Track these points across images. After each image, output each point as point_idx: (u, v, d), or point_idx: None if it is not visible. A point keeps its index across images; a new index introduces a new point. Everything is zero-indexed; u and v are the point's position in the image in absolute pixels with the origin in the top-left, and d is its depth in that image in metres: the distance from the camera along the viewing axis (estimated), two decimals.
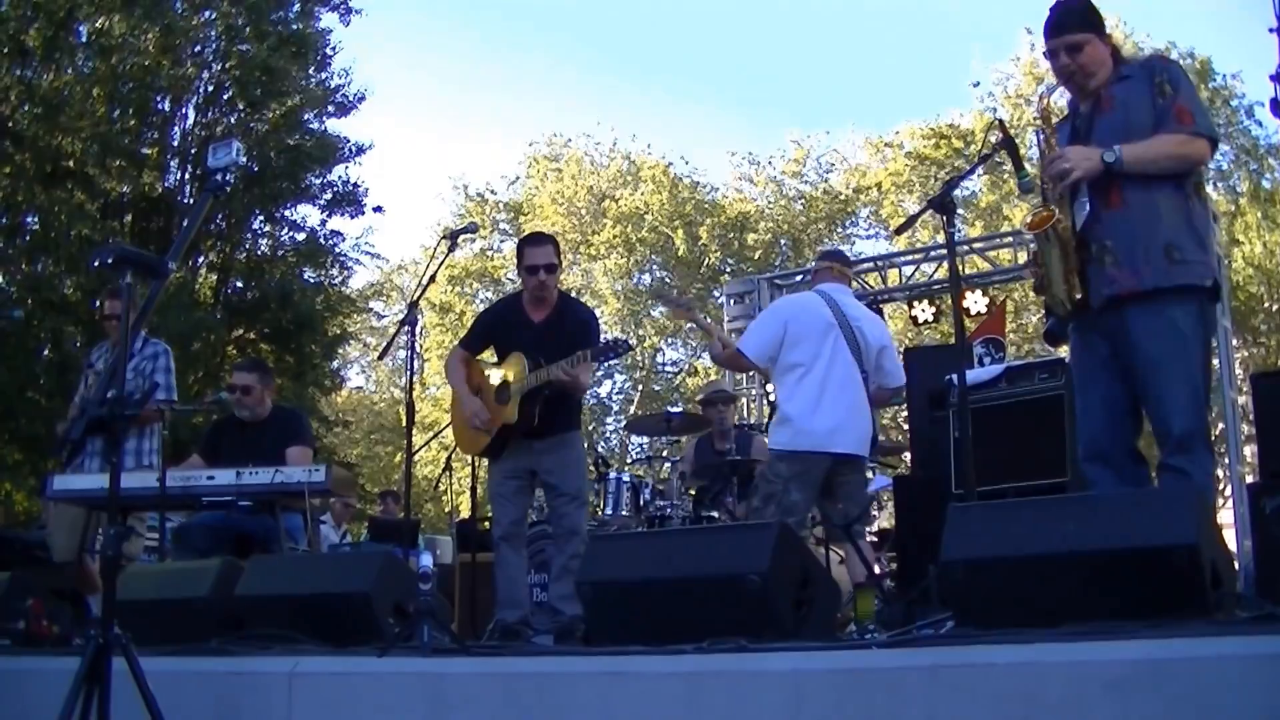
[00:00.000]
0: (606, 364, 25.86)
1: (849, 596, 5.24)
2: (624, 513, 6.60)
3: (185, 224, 4.19)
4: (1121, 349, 3.65)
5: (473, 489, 7.25)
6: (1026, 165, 3.98)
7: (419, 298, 5.62)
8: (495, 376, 5.29)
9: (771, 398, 11.39)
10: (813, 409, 5.01)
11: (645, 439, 9.21)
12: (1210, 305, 3.67)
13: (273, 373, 6.48)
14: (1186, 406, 3.54)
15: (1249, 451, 10.86)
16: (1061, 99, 4.10)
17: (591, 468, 6.80)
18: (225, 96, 17.13)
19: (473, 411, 5.24)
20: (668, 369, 27.26)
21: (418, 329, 5.53)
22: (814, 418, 5.00)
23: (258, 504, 5.40)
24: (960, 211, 21.09)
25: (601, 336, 5.45)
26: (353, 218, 18.41)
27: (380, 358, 24.63)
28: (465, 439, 5.47)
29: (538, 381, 5.02)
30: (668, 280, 26.15)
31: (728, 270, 24.11)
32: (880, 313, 11.84)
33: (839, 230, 26.02)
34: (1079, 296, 3.68)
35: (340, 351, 20.45)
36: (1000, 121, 4.17)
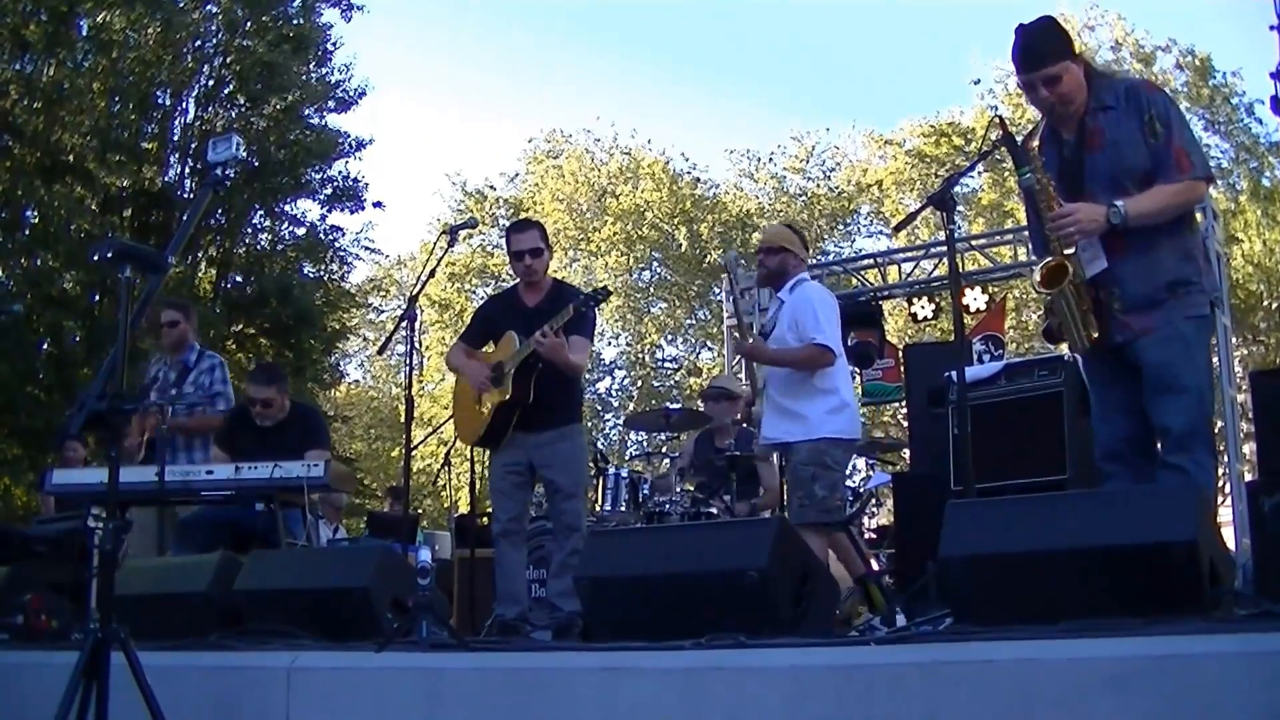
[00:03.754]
0: (606, 347, 25.88)
1: (847, 593, 5.25)
2: (623, 508, 6.59)
3: (185, 218, 4.19)
4: (1127, 353, 3.67)
5: (471, 484, 7.25)
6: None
7: (418, 293, 5.61)
8: (490, 361, 5.28)
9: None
10: (854, 397, 5.20)
11: (644, 435, 9.20)
12: (1213, 314, 3.72)
13: (286, 375, 6.49)
14: (1189, 406, 3.55)
15: (1248, 449, 10.86)
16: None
17: (590, 463, 6.79)
18: (225, 91, 17.14)
19: (475, 371, 5.22)
20: (667, 366, 27.26)
21: (416, 325, 5.53)
22: (856, 406, 5.19)
23: (256, 499, 5.41)
24: (961, 208, 21.11)
25: (597, 321, 5.48)
26: (352, 213, 18.46)
27: (379, 352, 24.59)
28: (465, 425, 5.43)
29: (526, 351, 5.02)
30: (669, 278, 26.15)
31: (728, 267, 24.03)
32: (880, 310, 11.88)
33: (840, 228, 26.03)
34: (1095, 335, 3.67)
35: (339, 346, 20.45)
36: (1000, 118, 4.11)
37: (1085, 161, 3.70)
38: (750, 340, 5.68)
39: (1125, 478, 3.68)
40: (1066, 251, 3.65)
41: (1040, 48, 3.66)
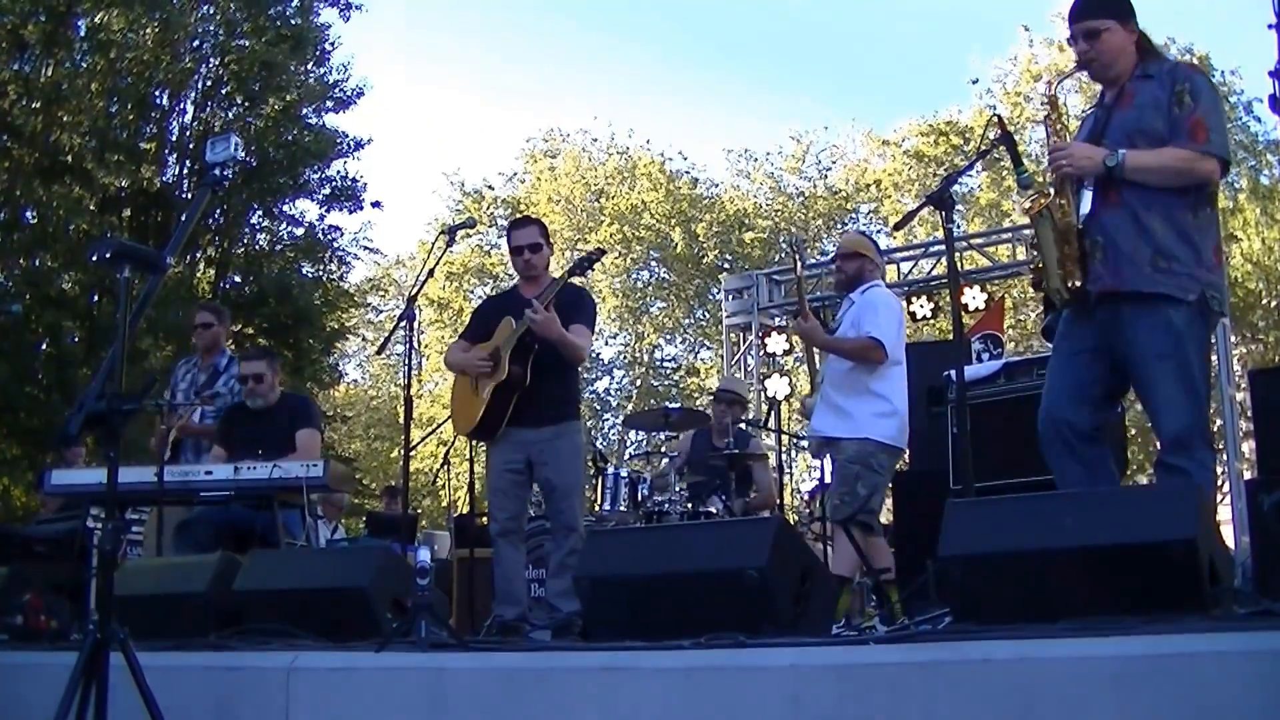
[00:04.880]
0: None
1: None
2: (622, 508, 6.59)
3: (183, 219, 4.18)
4: (1116, 344, 3.63)
5: (470, 484, 7.24)
6: (1025, 161, 3.98)
7: (417, 293, 5.61)
8: (488, 348, 5.27)
9: (770, 393, 11.44)
10: (906, 408, 5.25)
11: (643, 434, 9.21)
12: (1208, 313, 3.60)
13: (277, 355, 6.55)
14: (1182, 404, 3.51)
15: (1247, 448, 10.87)
16: (1074, 93, 4.09)
17: (589, 463, 6.79)
18: (224, 91, 17.13)
19: (472, 358, 5.21)
20: (666, 365, 27.28)
21: (415, 325, 5.53)
22: (906, 416, 5.26)
23: (256, 500, 5.42)
24: (959, 208, 21.12)
25: (596, 312, 5.49)
26: (351, 212, 18.44)
27: (378, 353, 24.56)
28: (462, 415, 5.40)
29: (521, 329, 5.02)
30: (667, 277, 26.17)
31: (726, 267, 24.11)
32: None
33: (838, 227, 26.02)
34: (1077, 284, 3.64)
35: (338, 346, 20.45)
36: (999, 117, 4.14)
37: (1113, 118, 3.73)
38: (809, 322, 5.69)
39: (1058, 453, 3.70)
40: (1062, 185, 3.69)
41: (1088, 2, 3.75)
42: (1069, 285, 3.66)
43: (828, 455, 5.45)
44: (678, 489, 6.50)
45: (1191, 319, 3.56)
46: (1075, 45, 3.77)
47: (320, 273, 18.49)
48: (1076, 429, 3.71)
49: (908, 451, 7.84)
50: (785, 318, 12.33)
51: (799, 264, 6.35)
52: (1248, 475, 9.16)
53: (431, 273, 5.81)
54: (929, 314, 11.71)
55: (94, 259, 3.07)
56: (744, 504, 6.80)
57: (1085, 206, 3.67)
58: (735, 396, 7.43)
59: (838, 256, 5.65)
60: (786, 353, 12.10)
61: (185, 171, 16.87)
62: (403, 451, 5.77)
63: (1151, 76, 3.69)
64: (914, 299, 11.68)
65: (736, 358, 12.93)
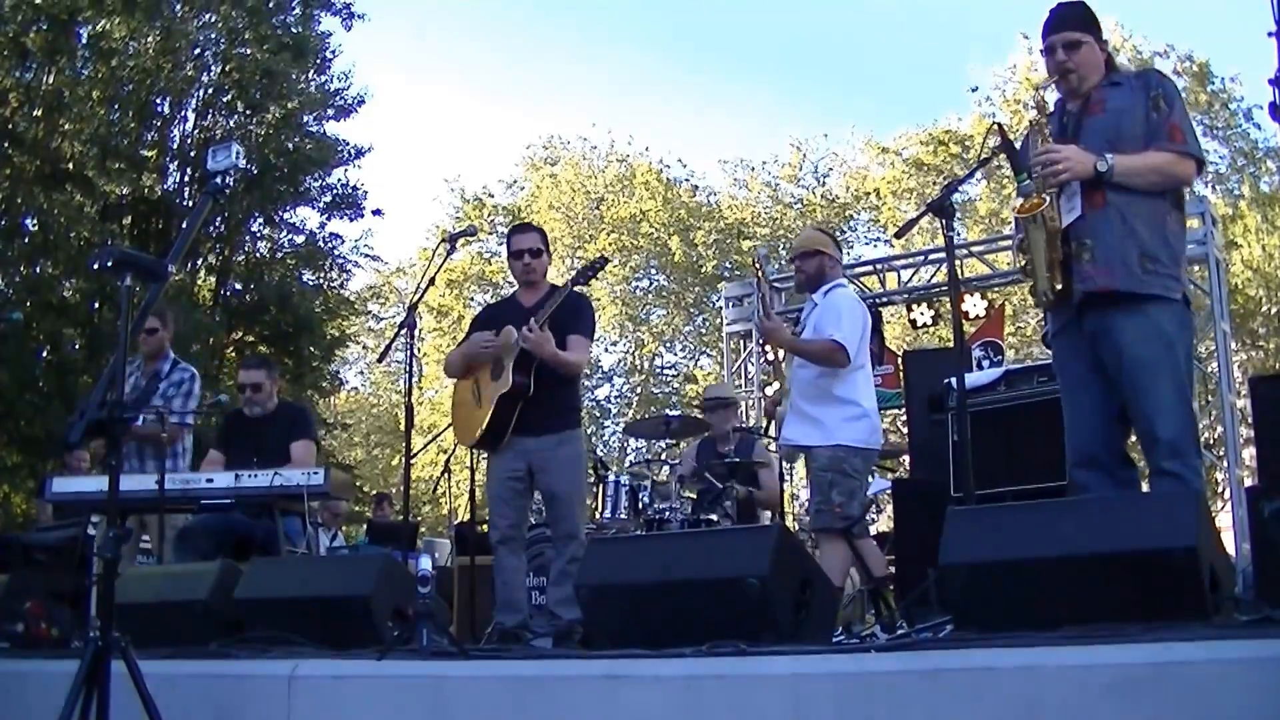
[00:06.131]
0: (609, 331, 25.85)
1: (849, 599, 5.26)
2: (623, 516, 6.59)
3: (185, 226, 4.20)
4: (1107, 352, 3.68)
5: (471, 492, 7.24)
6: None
7: (418, 300, 5.62)
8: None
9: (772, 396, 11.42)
10: (875, 408, 5.25)
11: (643, 442, 9.22)
12: (1189, 313, 3.71)
13: (275, 365, 6.58)
14: (1175, 409, 3.57)
15: (1247, 455, 10.85)
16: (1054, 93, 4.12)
17: (590, 470, 6.79)
18: (225, 99, 17.16)
19: (475, 340, 5.24)
20: (666, 373, 27.28)
21: (416, 332, 5.54)
22: (877, 416, 5.25)
23: (257, 507, 5.42)
24: (959, 216, 21.12)
25: (596, 320, 5.51)
26: (352, 220, 18.47)
27: (379, 360, 24.62)
28: (465, 426, 5.41)
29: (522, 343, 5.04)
30: (666, 285, 26.17)
31: (725, 275, 24.12)
32: (879, 316, 11.87)
33: (838, 234, 26.00)
34: (1059, 287, 3.71)
35: (339, 354, 20.46)
36: (1000, 126, 4.19)
37: (1084, 123, 3.80)
38: (773, 321, 5.68)
39: (1100, 486, 3.69)
40: (1049, 192, 3.72)
41: (1068, 15, 3.84)
42: (1055, 287, 3.72)
43: (800, 458, 5.49)
44: (679, 497, 6.49)
45: (1181, 321, 3.66)
46: (1052, 56, 3.83)
47: (321, 280, 18.51)
48: (1113, 451, 3.76)
49: (908, 458, 7.86)
50: (786, 325, 12.30)
51: (762, 277, 6.37)
52: (1248, 482, 9.14)
53: (432, 280, 5.82)
54: (929, 321, 11.68)
55: (95, 267, 3.07)
56: (748, 492, 6.80)
57: (1071, 211, 3.71)
58: (720, 400, 7.43)
59: (795, 256, 5.58)
60: None
61: (186, 179, 16.91)
62: (403, 459, 5.77)
63: (1119, 84, 3.79)
64: (914, 306, 11.67)
65: (737, 365, 12.93)
